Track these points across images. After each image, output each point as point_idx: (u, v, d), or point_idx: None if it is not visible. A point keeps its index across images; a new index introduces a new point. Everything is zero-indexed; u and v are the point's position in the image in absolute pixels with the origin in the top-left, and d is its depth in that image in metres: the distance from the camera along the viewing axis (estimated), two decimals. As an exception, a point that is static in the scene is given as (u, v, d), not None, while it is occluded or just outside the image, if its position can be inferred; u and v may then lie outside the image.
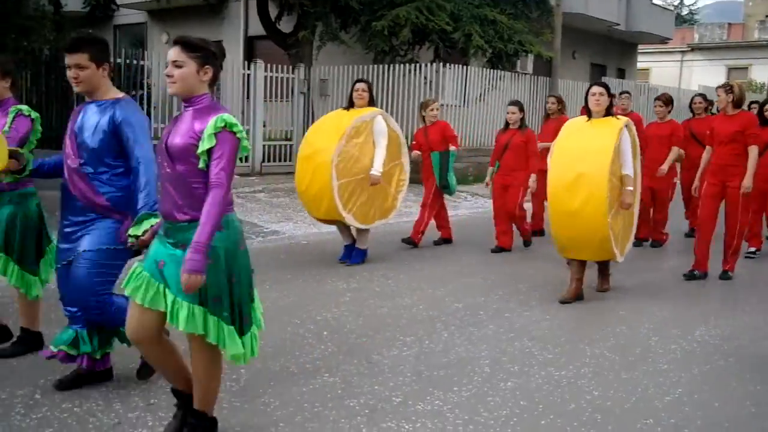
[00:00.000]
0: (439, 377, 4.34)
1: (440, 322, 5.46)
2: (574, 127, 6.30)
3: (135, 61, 12.64)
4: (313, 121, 10.79)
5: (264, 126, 14.33)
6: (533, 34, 16.45)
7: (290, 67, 15.01)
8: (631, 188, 6.16)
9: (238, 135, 3.05)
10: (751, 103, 11.42)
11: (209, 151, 3.01)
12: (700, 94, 9.97)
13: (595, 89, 6.16)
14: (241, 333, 3.19)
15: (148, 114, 13.16)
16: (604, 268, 6.52)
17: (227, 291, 3.10)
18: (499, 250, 8.20)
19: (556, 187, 6.03)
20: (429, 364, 4.54)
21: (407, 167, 7.66)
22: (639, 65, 28.87)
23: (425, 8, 14.29)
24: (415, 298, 6.12)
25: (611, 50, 24.46)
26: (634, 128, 6.45)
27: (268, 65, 14.42)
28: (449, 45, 15.20)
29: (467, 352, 4.81)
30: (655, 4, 25.90)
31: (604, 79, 19.51)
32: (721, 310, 6.12)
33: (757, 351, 4.93)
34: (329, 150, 6.77)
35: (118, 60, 12.25)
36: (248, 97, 14.30)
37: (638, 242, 8.42)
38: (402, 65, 15.22)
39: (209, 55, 3.12)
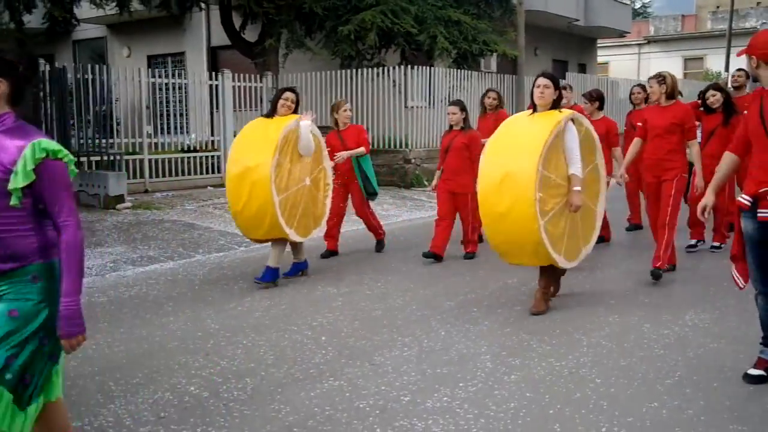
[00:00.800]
0: (443, 374, 4.38)
1: (435, 321, 5.50)
2: (513, 122, 5.90)
3: (92, 76, 12.32)
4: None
5: (234, 136, 14.22)
6: (497, 34, 16.60)
7: (257, 76, 14.97)
8: (579, 188, 5.56)
9: (65, 160, 2.61)
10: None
11: (28, 187, 2.55)
12: (639, 85, 9.79)
13: (540, 81, 5.61)
14: (27, 403, 2.64)
15: (116, 131, 12.99)
16: (551, 273, 5.83)
17: (22, 353, 2.58)
18: (470, 256, 7.81)
19: (484, 187, 5.58)
20: (431, 363, 4.59)
21: (330, 171, 7.39)
22: (598, 59, 29.27)
23: (390, 12, 14.36)
24: (407, 299, 6.16)
25: (572, 46, 24.79)
26: (586, 121, 6.12)
27: (236, 75, 14.37)
28: (415, 47, 15.29)
29: (467, 348, 4.86)
30: (612, -1, 26.30)
31: (567, 75, 19.82)
32: (708, 294, 6.23)
33: (746, 331, 5.04)
34: (265, 165, 6.31)
35: (78, 76, 12.04)
36: (217, 108, 14.23)
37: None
38: (369, 69, 15.29)
39: (2, 65, 2.61)
